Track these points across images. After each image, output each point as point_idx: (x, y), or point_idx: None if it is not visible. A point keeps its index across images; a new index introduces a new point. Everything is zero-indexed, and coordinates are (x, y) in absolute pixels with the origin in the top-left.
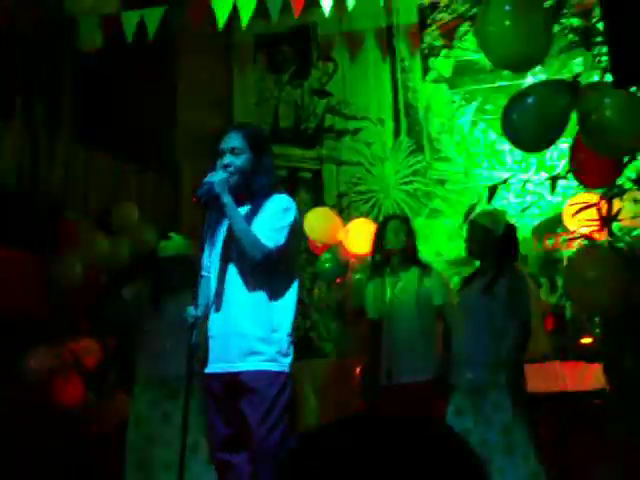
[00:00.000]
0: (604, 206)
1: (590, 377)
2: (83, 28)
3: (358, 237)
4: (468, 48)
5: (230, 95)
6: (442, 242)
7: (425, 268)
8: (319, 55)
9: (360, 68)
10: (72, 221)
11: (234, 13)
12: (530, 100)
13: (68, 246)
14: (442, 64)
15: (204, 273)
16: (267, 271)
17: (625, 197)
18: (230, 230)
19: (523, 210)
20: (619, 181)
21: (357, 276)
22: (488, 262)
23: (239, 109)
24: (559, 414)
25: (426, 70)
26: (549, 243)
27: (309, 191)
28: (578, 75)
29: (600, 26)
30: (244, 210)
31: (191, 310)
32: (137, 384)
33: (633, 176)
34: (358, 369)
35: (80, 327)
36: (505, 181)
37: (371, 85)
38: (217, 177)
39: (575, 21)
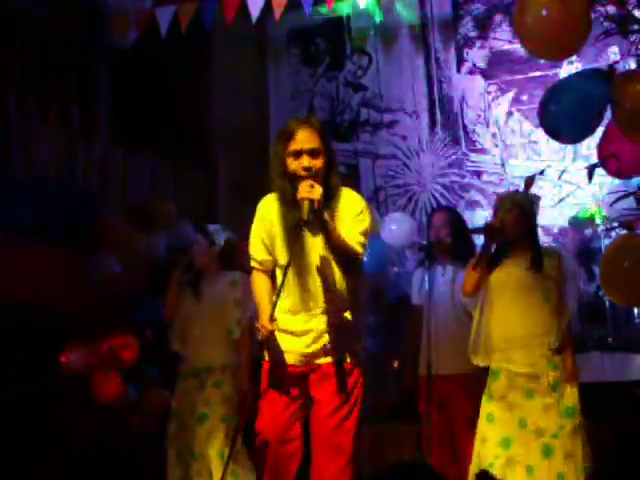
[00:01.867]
0: None
1: (630, 368)
2: (117, 25)
3: (395, 230)
4: (503, 38)
5: (265, 89)
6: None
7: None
8: (353, 48)
9: (394, 61)
10: (110, 218)
11: (267, 6)
12: (566, 91)
13: (106, 243)
14: (477, 55)
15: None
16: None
17: None
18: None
19: (560, 200)
20: None
21: (395, 269)
22: (523, 241)
23: (274, 103)
24: (599, 405)
25: (461, 61)
26: (587, 233)
27: (345, 185)
28: (614, 63)
29: (637, 13)
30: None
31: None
32: (179, 376)
33: None
34: (396, 362)
35: (118, 322)
36: (542, 172)
37: (406, 78)
38: (316, 193)
39: (611, 9)
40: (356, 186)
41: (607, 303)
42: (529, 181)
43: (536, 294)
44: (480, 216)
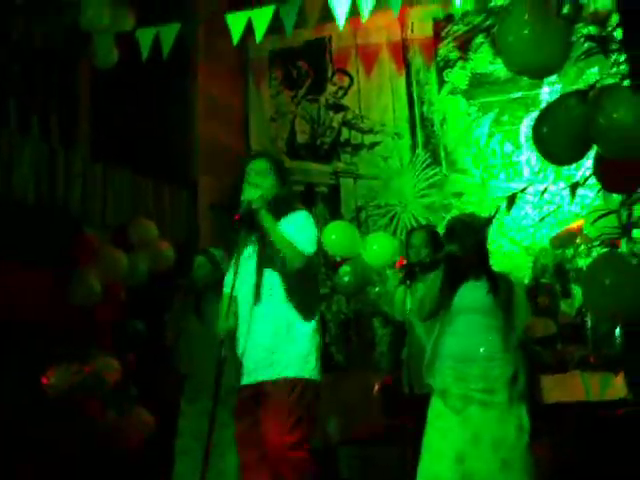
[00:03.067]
0: (624, 213)
1: (612, 387)
2: (99, 45)
3: (377, 250)
4: (483, 60)
5: (246, 111)
6: None
7: None
8: (334, 70)
9: (375, 82)
10: (90, 237)
11: (249, 29)
12: (554, 114)
13: (87, 262)
14: (458, 76)
15: (227, 290)
16: (300, 283)
17: None
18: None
19: (541, 220)
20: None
21: (376, 289)
22: (477, 264)
23: (255, 124)
24: (582, 424)
25: (442, 82)
26: (568, 253)
27: (326, 205)
28: (595, 84)
29: (617, 34)
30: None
31: (222, 324)
32: (185, 396)
33: None
34: (377, 384)
35: (101, 344)
36: (524, 190)
37: (387, 99)
38: (256, 194)
39: (592, 29)
40: (337, 206)
41: (588, 323)
42: (511, 200)
43: (493, 316)
44: None
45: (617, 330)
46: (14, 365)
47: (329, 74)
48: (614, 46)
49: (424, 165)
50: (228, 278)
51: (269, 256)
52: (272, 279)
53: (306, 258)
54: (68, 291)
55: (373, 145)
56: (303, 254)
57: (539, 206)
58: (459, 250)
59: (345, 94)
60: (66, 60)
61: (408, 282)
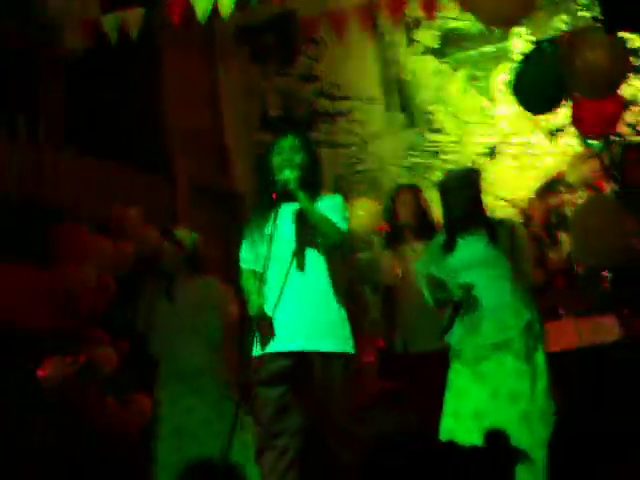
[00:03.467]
0: (606, 156)
1: (605, 330)
2: (66, 35)
3: (361, 216)
4: (451, 17)
5: (216, 89)
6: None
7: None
8: (303, 40)
9: (346, 48)
10: (75, 229)
11: (214, 6)
12: (531, 62)
13: (74, 255)
14: (427, 35)
15: (249, 267)
16: (335, 259)
17: None
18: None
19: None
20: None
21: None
22: (475, 216)
23: (227, 103)
24: (578, 370)
25: (411, 42)
26: (552, 202)
27: None
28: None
29: None
30: (293, 207)
31: (255, 300)
32: (157, 381)
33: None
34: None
35: (94, 333)
36: (505, 141)
37: (358, 64)
38: (294, 174)
39: None
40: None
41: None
42: (492, 151)
43: (498, 265)
44: None
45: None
46: (8, 364)
47: (298, 45)
48: None
49: (401, 127)
50: (260, 256)
51: (309, 233)
52: (314, 254)
53: (342, 234)
54: (58, 282)
55: (348, 112)
56: (341, 230)
57: (519, 158)
58: (455, 204)
59: (316, 64)
60: (34, 55)
61: (394, 245)
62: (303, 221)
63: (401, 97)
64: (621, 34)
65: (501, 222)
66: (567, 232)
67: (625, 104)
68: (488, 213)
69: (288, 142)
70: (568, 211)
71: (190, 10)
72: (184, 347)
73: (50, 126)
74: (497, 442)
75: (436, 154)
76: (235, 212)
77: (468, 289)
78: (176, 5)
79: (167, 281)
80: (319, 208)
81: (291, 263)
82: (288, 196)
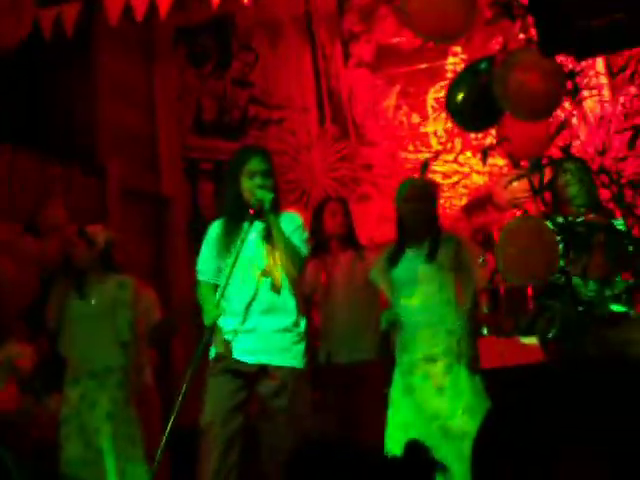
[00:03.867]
0: (536, 177)
1: (527, 351)
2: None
3: None
4: (388, 32)
5: (152, 90)
6: (372, 227)
7: (361, 249)
8: (240, 46)
9: (281, 57)
10: (1, 225)
11: (152, 6)
12: (464, 82)
13: None
14: (363, 49)
15: (208, 279)
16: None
17: None
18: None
19: (454, 184)
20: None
21: None
22: (423, 230)
23: (161, 103)
24: (501, 389)
25: (347, 55)
26: (478, 221)
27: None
28: (501, 50)
29: None
30: (262, 226)
31: (213, 312)
32: (66, 380)
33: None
34: None
35: (12, 330)
36: (437, 156)
37: (293, 73)
38: (269, 196)
39: None
40: None
41: (502, 289)
42: (426, 164)
43: (432, 283)
44: (372, 209)
45: (528, 294)
46: None
47: (235, 50)
48: (519, 11)
49: (333, 139)
50: (219, 269)
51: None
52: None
53: (303, 260)
54: None
55: (281, 120)
56: (301, 256)
57: (448, 176)
58: (416, 213)
59: (251, 70)
60: None
61: (319, 255)
62: (271, 242)
63: (334, 109)
64: (556, 57)
65: (449, 237)
66: (492, 252)
67: (557, 126)
68: (439, 228)
69: (262, 165)
70: (494, 230)
71: (128, 8)
72: (95, 345)
73: None
74: (416, 452)
75: (367, 167)
76: (164, 215)
77: (394, 318)
78: (114, 2)
79: (79, 279)
80: (283, 229)
81: (258, 282)
82: (256, 215)
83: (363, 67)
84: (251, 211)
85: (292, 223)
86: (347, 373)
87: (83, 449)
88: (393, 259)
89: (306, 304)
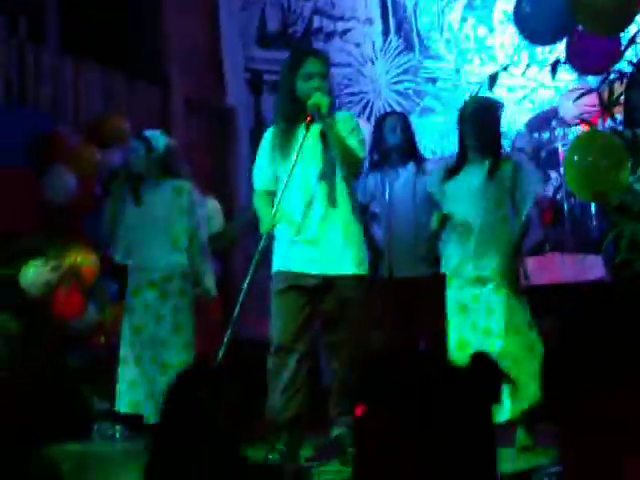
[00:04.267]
0: (605, 91)
1: (589, 268)
2: None
3: None
4: None
5: (215, 1)
6: (435, 140)
7: (422, 163)
8: None
9: None
10: (64, 134)
11: None
12: None
13: (61, 159)
14: None
15: (264, 187)
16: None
17: None
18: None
19: (523, 97)
20: (618, 66)
21: None
22: (483, 147)
23: (224, 16)
24: (561, 305)
25: None
26: (545, 136)
27: None
28: None
29: None
30: (318, 128)
31: (269, 220)
32: (128, 290)
33: (633, 60)
34: None
35: (77, 239)
36: (506, 68)
37: None
38: (326, 100)
39: None
40: None
41: (565, 205)
42: (493, 78)
43: (489, 201)
44: (434, 122)
45: (593, 211)
46: None
47: None
48: None
49: (397, 51)
50: (276, 176)
51: (333, 159)
52: (338, 181)
53: (362, 159)
54: (42, 188)
55: (345, 32)
56: (359, 158)
57: (514, 90)
58: (478, 130)
59: None
60: None
61: (381, 168)
62: (328, 147)
63: (398, 20)
64: None
65: (508, 158)
66: (556, 168)
67: (628, 41)
68: (500, 147)
69: (317, 67)
70: (559, 147)
71: None
72: (152, 251)
73: (46, 29)
74: (483, 364)
75: (431, 81)
76: (227, 128)
77: (444, 220)
78: None
79: (135, 184)
80: (338, 130)
81: (315, 188)
82: (313, 120)
83: None
84: (308, 117)
85: (348, 124)
86: (410, 287)
87: (150, 361)
88: (452, 172)
89: (364, 214)
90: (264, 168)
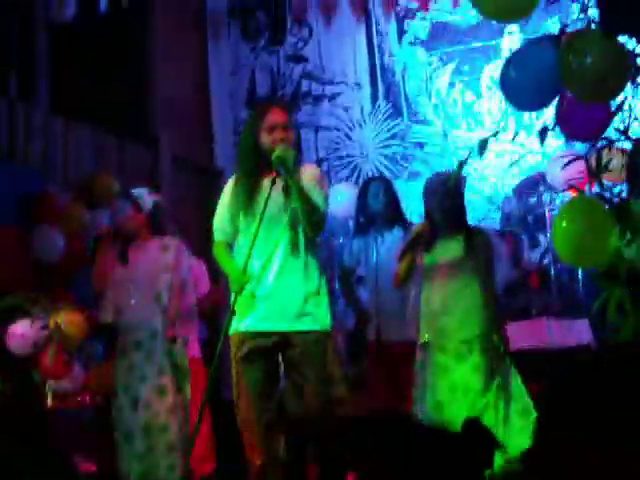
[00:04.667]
0: (592, 158)
1: (576, 333)
2: None
3: (340, 201)
4: (443, 9)
5: (205, 64)
6: (422, 204)
7: (408, 227)
8: (294, 20)
9: (336, 32)
10: (53, 194)
11: None
12: (524, 59)
13: (50, 219)
14: (418, 26)
15: (225, 239)
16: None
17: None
18: (278, 202)
19: (511, 165)
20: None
21: (340, 240)
22: (454, 221)
23: (215, 77)
24: (546, 370)
25: (402, 32)
26: (532, 201)
27: None
28: (564, 27)
29: None
30: (282, 183)
31: (240, 279)
32: (116, 351)
33: (619, 127)
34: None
35: (65, 299)
36: (496, 134)
37: (347, 49)
38: (290, 153)
39: None
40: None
41: (552, 270)
42: (483, 144)
43: (468, 272)
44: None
45: (580, 276)
46: None
47: (288, 25)
48: None
49: (385, 115)
50: (246, 234)
51: (296, 212)
52: (301, 235)
53: (324, 215)
54: (30, 247)
55: (334, 96)
56: (322, 211)
57: (501, 155)
58: (437, 209)
59: (305, 45)
60: (22, 16)
61: (366, 232)
62: (291, 199)
63: (387, 85)
64: (619, 38)
65: (480, 232)
66: (543, 232)
67: (616, 108)
68: (467, 220)
69: (280, 117)
70: (546, 211)
71: None
72: (138, 312)
73: (37, 89)
74: (476, 429)
75: (419, 145)
76: (214, 187)
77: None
78: None
79: (122, 243)
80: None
81: (279, 242)
82: (278, 174)
83: (417, 44)
84: (273, 173)
85: (312, 178)
86: (397, 350)
87: (136, 421)
88: (426, 246)
89: (350, 277)
90: (225, 221)
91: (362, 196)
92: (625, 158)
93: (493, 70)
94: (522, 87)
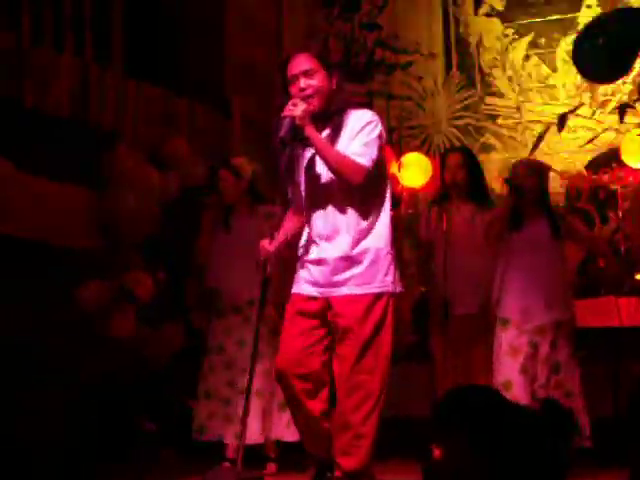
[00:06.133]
0: None
1: None
2: None
3: (412, 171)
4: None
5: (279, 30)
6: (493, 177)
7: (483, 201)
8: None
9: (411, 1)
10: (124, 154)
11: None
12: (602, 28)
13: (120, 179)
14: None
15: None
16: (366, 191)
17: None
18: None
19: (589, 142)
20: None
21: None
22: (537, 206)
23: (289, 44)
24: (614, 348)
25: (478, 3)
26: (605, 177)
27: None
28: None
29: None
30: (325, 134)
31: (266, 244)
32: (213, 312)
33: None
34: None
35: (132, 260)
36: (575, 110)
37: (422, 18)
38: (297, 110)
39: None
40: None
41: (622, 248)
42: (562, 119)
43: (552, 254)
44: (494, 159)
45: None
46: (48, 284)
47: None
48: None
49: (458, 86)
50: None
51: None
52: (344, 194)
53: (365, 171)
54: (100, 208)
55: (407, 65)
56: (361, 168)
57: (575, 130)
58: (522, 192)
59: (380, 13)
60: None
61: (443, 202)
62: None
63: (461, 56)
64: None
65: (562, 217)
66: (614, 209)
67: None
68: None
69: (299, 66)
70: (618, 189)
71: None
72: (239, 278)
73: (112, 50)
74: (557, 410)
75: (492, 117)
76: None
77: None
78: None
79: (224, 211)
80: (348, 129)
81: (319, 206)
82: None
83: (493, 15)
84: (277, 142)
85: (359, 122)
86: (465, 324)
87: (228, 385)
88: (514, 224)
89: (428, 249)
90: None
91: (441, 166)
92: None
93: (570, 44)
94: (594, 58)
